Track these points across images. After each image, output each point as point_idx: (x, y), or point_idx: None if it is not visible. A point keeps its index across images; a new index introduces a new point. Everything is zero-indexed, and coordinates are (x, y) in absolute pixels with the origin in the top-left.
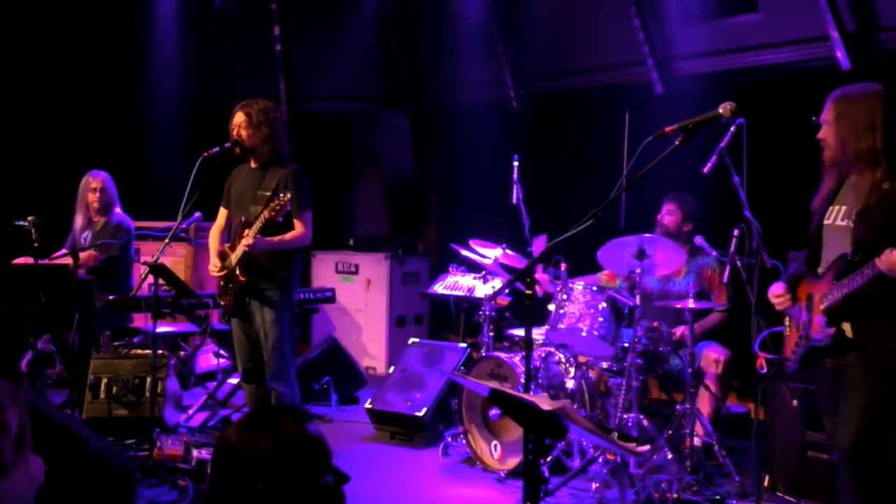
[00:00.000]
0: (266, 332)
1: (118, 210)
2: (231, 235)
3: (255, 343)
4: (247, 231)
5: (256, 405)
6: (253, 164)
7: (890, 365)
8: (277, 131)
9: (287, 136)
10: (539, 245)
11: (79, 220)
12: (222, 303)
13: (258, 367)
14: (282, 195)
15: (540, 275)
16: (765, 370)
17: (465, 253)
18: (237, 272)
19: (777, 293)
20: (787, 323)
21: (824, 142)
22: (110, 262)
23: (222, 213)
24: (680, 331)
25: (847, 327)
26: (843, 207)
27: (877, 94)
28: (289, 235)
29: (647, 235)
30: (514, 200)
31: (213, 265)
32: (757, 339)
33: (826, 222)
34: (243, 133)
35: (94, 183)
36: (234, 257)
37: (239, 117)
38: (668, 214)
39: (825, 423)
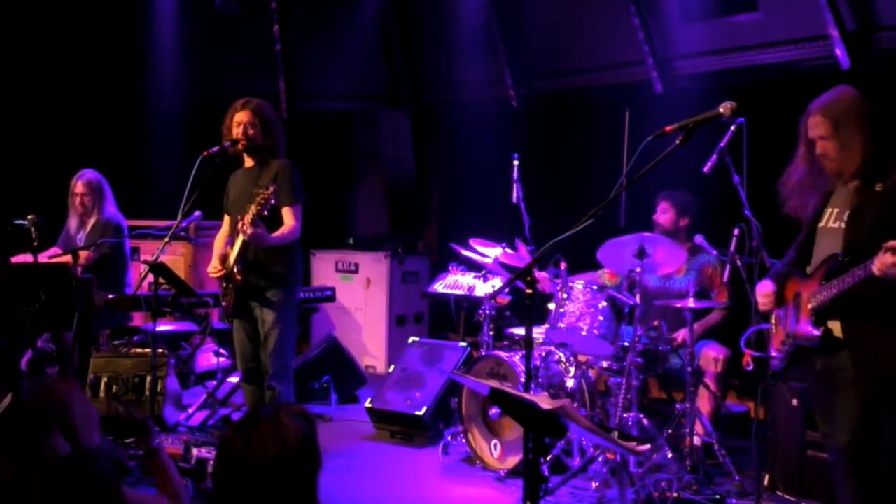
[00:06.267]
0: (267, 332)
1: (110, 208)
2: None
3: (255, 343)
4: (241, 225)
5: (256, 405)
6: (248, 164)
7: (879, 364)
8: (279, 128)
9: (284, 133)
10: (521, 251)
11: (73, 221)
12: (223, 304)
13: (259, 367)
14: (265, 189)
15: (538, 273)
16: (751, 367)
17: (465, 253)
18: (235, 271)
19: (765, 293)
20: (773, 321)
21: (826, 156)
22: (103, 260)
23: (226, 219)
24: (681, 336)
25: (836, 326)
26: (836, 210)
27: (860, 99)
28: (283, 231)
29: (647, 234)
30: (515, 200)
31: (213, 266)
32: (744, 335)
33: (820, 225)
34: (251, 131)
35: (77, 187)
36: (231, 257)
37: (245, 115)
38: (663, 213)
39: (818, 423)
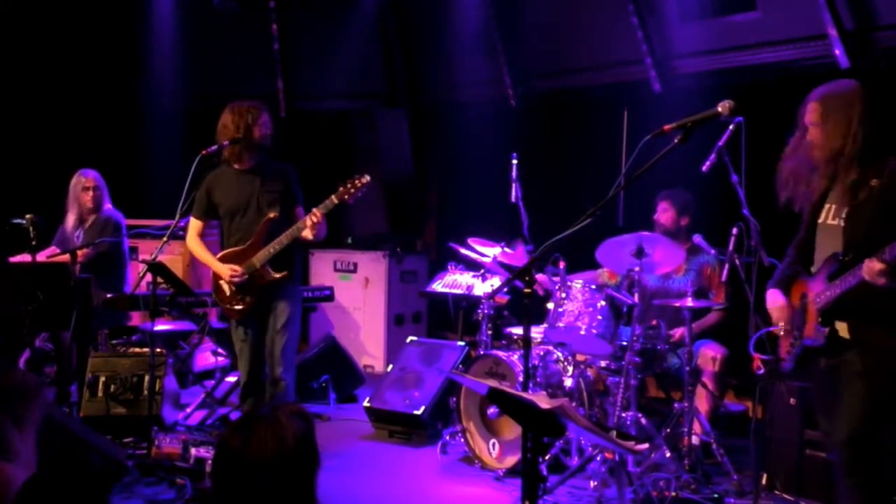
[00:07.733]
0: (284, 324)
1: (108, 206)
2: (226, 239)
3: (262, 349)
4: (313, 218)
5: (258, 403)
6: (244, 165)
7: (885, 363)
8: None
9: None
10: (519, 253)
11: (70, 219)
12: (238, 307)
13: (260, 378)
14: (356, 179)
15: (538, 275)
16: (762, 371)
17: (463, 251)
18: (269, 269)
19: (777, 307)
20: (781, 323)
21: (814, 143)
22: (102, 258)
23: (196, 223)
24: (678, 333)
25: (842, 327)
26: (834, 206)
27: (856, 92)
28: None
29: (646, 234)
30: (513, 199)
31: (232, 270)
32: (752, 339)
33: (819, 221)
34: (266, 130)
35: (86, 182)
36: (257, 259)
37: (267, 115)
38: (663, 212)
39: (820, 422)
